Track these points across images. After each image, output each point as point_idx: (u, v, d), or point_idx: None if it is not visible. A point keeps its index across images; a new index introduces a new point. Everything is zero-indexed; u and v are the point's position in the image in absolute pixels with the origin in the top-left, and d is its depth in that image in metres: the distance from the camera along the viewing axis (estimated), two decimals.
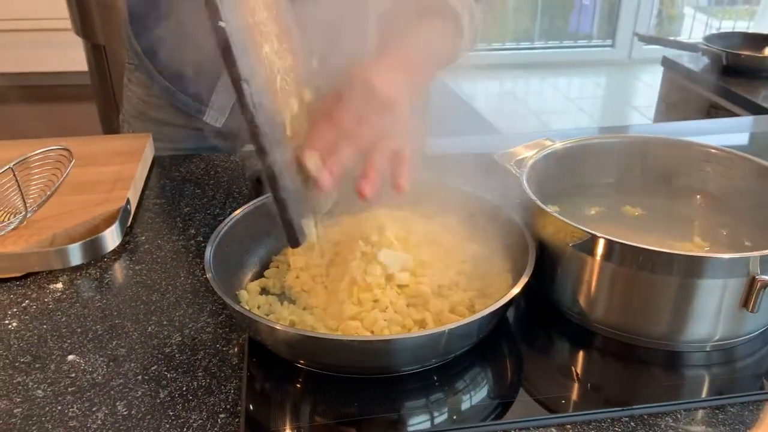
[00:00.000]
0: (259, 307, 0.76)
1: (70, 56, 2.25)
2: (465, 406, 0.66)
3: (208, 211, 1.07)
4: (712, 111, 2.07)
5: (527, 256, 0.73)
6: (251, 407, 0.65)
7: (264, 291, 0.80)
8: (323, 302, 0.74)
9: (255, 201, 0.89)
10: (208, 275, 0.75)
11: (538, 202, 0.75)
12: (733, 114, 1.96)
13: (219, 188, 1.14)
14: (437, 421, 0.64)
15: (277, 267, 0.83)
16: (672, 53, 2.36)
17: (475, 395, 0.68)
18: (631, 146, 0.89)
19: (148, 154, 1.21)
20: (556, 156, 0.87)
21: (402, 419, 0.63)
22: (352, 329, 0.69)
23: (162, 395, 0.71)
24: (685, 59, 2.34)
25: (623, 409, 0.67)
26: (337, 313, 0.72)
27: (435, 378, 0.68)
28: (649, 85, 4.41)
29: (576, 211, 0.83)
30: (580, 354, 0.75)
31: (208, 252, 0.79)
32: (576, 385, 0.69)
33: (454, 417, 0.64)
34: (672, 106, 2.24)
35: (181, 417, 0.69)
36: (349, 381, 0.67)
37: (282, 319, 0.72)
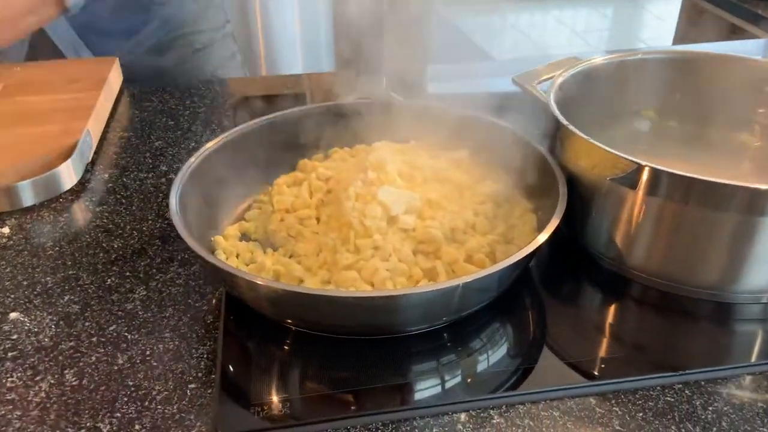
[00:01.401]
0: (238, 256, 0.67)
1: None
2: (481, 368, 0.58)
3: (183, 145, 0.93)
4: (735, 38, 1.91)
5: (556, 194, 0.63)
6: (228, 375, 0.57)
7: (245, 236, 0.70)
8: (313, 250, 0.65)
9: (234, 130, 0.77)
10: (174, 218, 0.62)
11: (570, 126, 0.65)
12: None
13: (196, 119, 1.00)
14: (449, 386, 0.56)
15: (260, 208, 0.72)
16: None
17: (493, 356, 0.59)
18: (677, 64, 0.76)
19: (114, 81, 1.06)
20: (588, 75, 0.74)
21: (408, 386, 0.56)
22: (348, 281, 0.60)
23: (120, 361, 0.60)
24: None
25: (672, 375, 0.58)
26: (330, 262, 0.62)
27: (446, 337, 0.60)
28: (658, 17, 4.19)
29: (612, 140, 0.70)
30: (615, 306, 0.67)
31: (175, 190, 0.66)
32: (612, 344, 0.61)
33: (469, 381, 0.56)
34: (691, 33, 2.07)
35: (143, 388, 0.57)
36: (346, 343, 0.58)
37: (265, 270, 0.63)
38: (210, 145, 0.70)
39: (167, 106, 1.05)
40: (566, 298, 0.67)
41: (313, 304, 0.55)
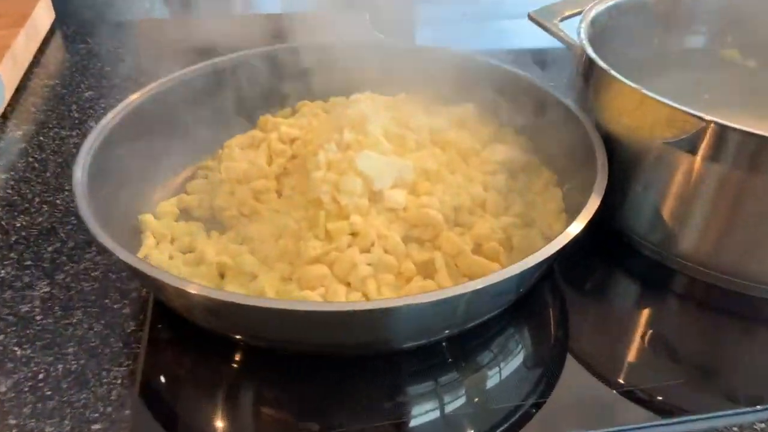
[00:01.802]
0: (173, 241, 0.54)
1: None
2: (491, 385, 0.47)
3: (119, 96, 0.75)
4: None
5: (589, 161, 0.51)
6: (150, 406, 0.44)
7: (185, 214, 0.57)
8: (271, 234, 0.51)
9: (172, 77, 0.61)
10: (75, 190, 0.46)
11: (612, 72, 0.52)
12: None
13: (141, 64, 0.82)
14: (450, 414, 0.45)
15: (206, 178, 0.59)
16: None
17: (506, 369, 0.48)
18: None
19: (41, 19, 0.88)
20: (629, 7, 0.56)
21: (396, 412, 0.44)
22: (315, 280, 0.47)
23: (3, 389, 0.44)
24: None
25: (755, 410, 0.45)
26: (293, 252, 0.49)
27: (446, 352, 0.49)
28: None
29: (661, 91, 0.54)
30: (657, 306, 0.55)
31: (84, 155, 0.49)
32: (658, 362, 0.49)
33: (476, 400, 0.45)
34: None
35: (27, 430, 0.41)
36: (316, 362, 0.47)
37: (205, 261, 0.50)
38: (135, 97, 0.56)
39: (105, 49, 0.87)
40: (596, 294, 0.56)
41: (264, 318, 0.39)
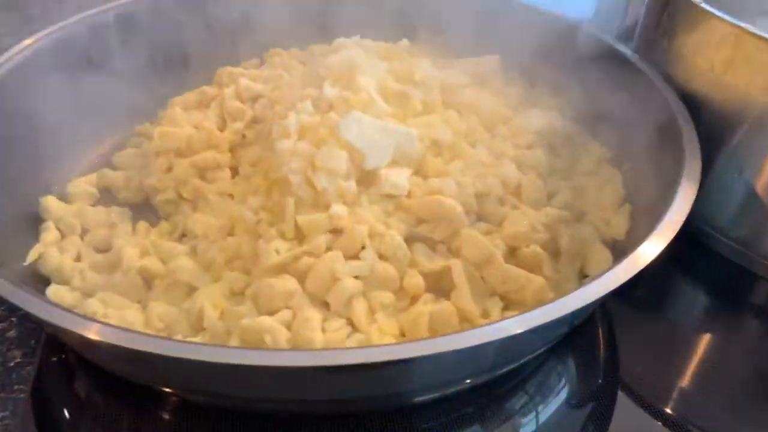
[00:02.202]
0: (85, 234, 0.42)
1: None
2: None
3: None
4: None
5: (665, 133, 0.40)
6: None
7: (106, 196, 0.46)
8: (221, 227, 0.40)
9: (101, 8, 0.49)
10: None
11: (705, 5, 0.41)
12: None
13: None
14: None
15: (138, 147, 0.48)
16: None
17: (545, 413, 0.39)
18: None
19: None
20: None
21: None
22: (279, 298, 0.35)
23: None
24: None
25: None
26: (249, 254, 0.39)
27: (467, 402, 0.38)
28: None
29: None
30: (738, 325, 0.46)
31: None
32: (739, 398, 0.41)
33: None
34: None
35: None
36: (284, 419, 0.35)
37: (123, 264, 0.38)
38: (30, 42, 0.44)
39: None
40: (655, 310, 0.46)
41: (192, 371, 0.26)
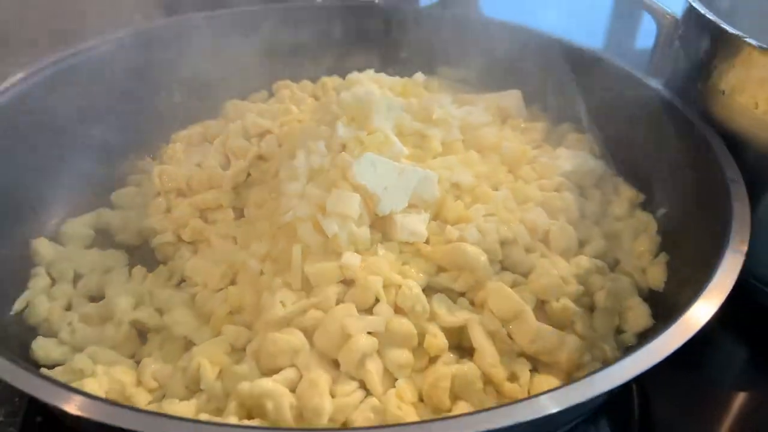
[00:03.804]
0: (77, 281, 0.38)
1: None
2: None
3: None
4: None
5: (701, 173, 0.37)
6: None
7: (102, 237, 0.41)
8: (222, 274, 0.37)
9: (106, 38, 0.46)
10: None
11: (750, 40, 0.37)
12: None
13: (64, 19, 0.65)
14: None
15: (138, 185, 0.44)
16: None
17: None
18: None
19: None
20: None
21: None
22: (283, 354, 0.32)
23: None
24: None
25: None
26: (252, 307, 0.35)
27: None
28: None
29: None
30: None
31: None
32: None
33: None
34: None
35: None
36: None
37: (116, 316, 0.34)
38: (21, 75, 0.41)
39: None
40: (692, 364, 0.40)
41: None
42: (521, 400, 0.23)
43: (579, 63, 0.46)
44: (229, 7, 0.52)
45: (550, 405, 0.24)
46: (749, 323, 0.43)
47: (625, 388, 0.37)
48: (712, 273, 0.30)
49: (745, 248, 0.33)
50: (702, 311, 0.28)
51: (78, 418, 0.24)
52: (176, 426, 0.22)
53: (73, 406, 0.23)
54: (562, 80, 0.47)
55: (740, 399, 0.40)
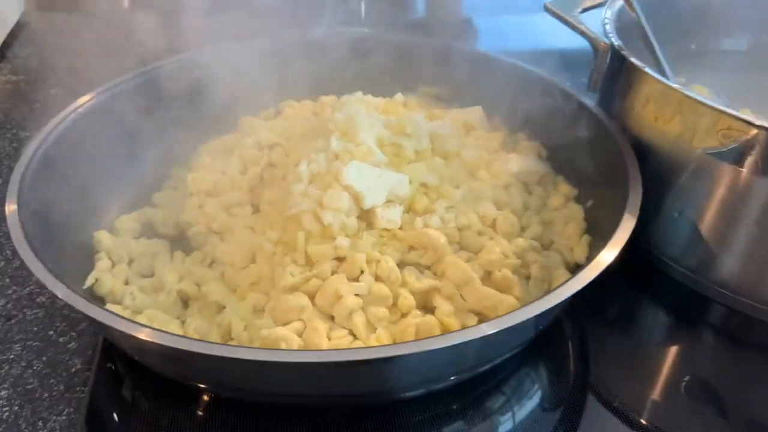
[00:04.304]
0: (131, 262, 0.48)
1: None
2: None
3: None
4: None
5: (618, 175, 0.46)
6: None
7: (148, 230, 0.51)
8: (243, 256, 0.46)
9: (143, 70, 0.56)
10: (8, 208, 0.39)
11: (648, 69, 0.47)
12: None
13: (118, 54, 0.74)
14: None
15: (174, 188, 0.54)
16: None
17: (520, 413, 0.43)
18: None
19: (10, 12, 0.84)
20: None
21: None
22: (293, 312, 0.41)
23: None
24: None
25: None
26: (267, 278, 0.44)
27: (450, 399, 0.43)
28: None
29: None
30: (691, 340, 0.50)
31: (22, 167, 0.43)
32: (685, 397, 0.45)
33: None
34: None
35: None
36: (296, 413, 0.41)
37: (165, 289, 0.44)
38: (86, 99, 0.51)
39: (75, 43, 0.79)
40: (620, 326, 0.51)
41: (226, 367, 0.32)
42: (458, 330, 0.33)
43: (530, 83, 0.56)
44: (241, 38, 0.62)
45: (482, 329, 0.34)
46: (667, 294, 0.52)
47: (562, 342, 0.48)
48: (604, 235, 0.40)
49: (632, 225, 0.41)
50: (595, 268, 0.38)
51: (151, 345, 0.33)
52: (219, 348, 0.32)
53: (145, 333, 0.33)
54: (516, 97, 0.56)
55: (662, 353, 0.49)
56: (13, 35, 0.83)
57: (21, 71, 0.76)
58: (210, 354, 0.32)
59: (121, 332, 0.34)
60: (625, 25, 0.55)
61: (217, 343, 0.35)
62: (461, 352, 0.35)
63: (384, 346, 0.36)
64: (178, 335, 0.34)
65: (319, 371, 0.33)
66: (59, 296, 0.34)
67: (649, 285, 0.53)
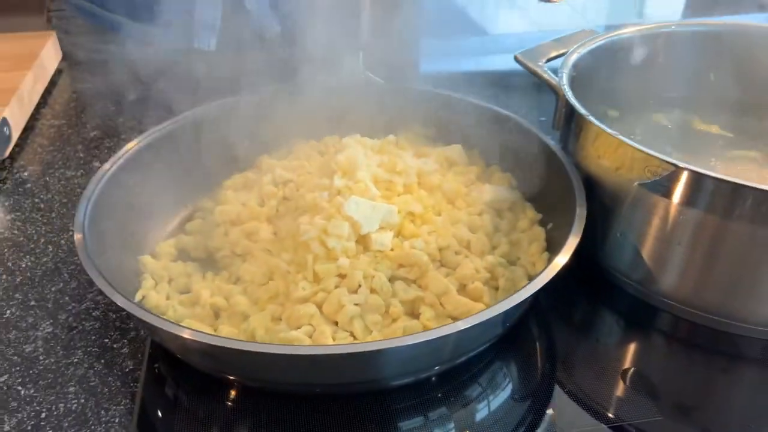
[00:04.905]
0: (171, 281, 0.56)
1: None
2: (480, 417, 0.48)
3: (124, 136, 0.79)
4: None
5: (571, 201, 0.53)
6: None
7: (182, 254, 0.59)
8: (263, 274, 0.53)
9: (171, 121, 0.64)
10: (76, 236, 0.48)
11: (590, 117, 0.55)
12: None
13: (143, 105, 0.83)
14: None
15: (204, 219, 0.61)
16: None
17: (495, 402, 0.50)
18: (715, 37, 0.61)
19: (49, 59, 0.91)
20: (612, 51, 0.59)
21: None
22: (304, 318, 0.49)
23: (6, 427, 0.46)
24: None
25: None
26: (283, 291, 0.51)
27: (435, 387, 0.50)
28: None
29: (639, 133, 0.56)
30: (640, 342, 0.56)
31: (85, 201, 0.52)
32: (634, 390, 0.51)
33: None
34: (705, 7, 1.91)
35: None
36: (307, 400, 0.48)
37: (200, 303, 0.52)
38: (132, 145, 0.59)
39: (111, 89, 0.89)
40: (581, 329, 0.57)
41: (252, 361, 0.41)
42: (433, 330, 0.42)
43: (504, 124, 0.62)
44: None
45: (456, 325, 0.41)
46: (621, 303, 0.58)
47: (531, 341, 0.54)
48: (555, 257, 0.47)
49: (575, 243, 0.48)
50: (550, 271, 0.45)
51: (192, 342, 0.41)
52: (247, 344, 0.41)
53: (187, 332, 0.41)
54: (492, 136, 0.63)
55: (618, 353, 0.54)
56: (52, 82, 0.93)
57: (62, 116, 0.85)
58: (240, 349, 0.41)
59: (171, 334, 0.42)
60: (583, 70, 0.63)
61: (246, 341, 0.45)
62: (439, 346, 0.43)
63: (377, 341, 0.45)
64: (215, 335, 0.44)
65: (325, 362, 0.41)
66: (126, 309, 0.43)
67: (604, 295, 0.58)
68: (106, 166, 0.56)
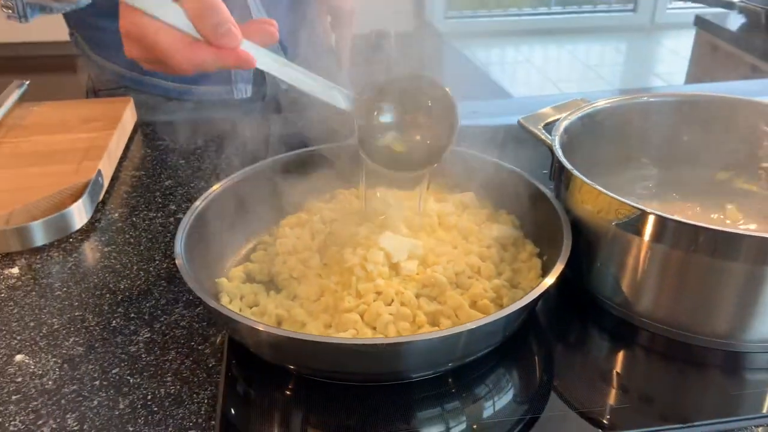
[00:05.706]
0: (242, 298, 0.66)
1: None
2: (487, 415, 0.57)
3: (193, 184, 0.94)
4: (751, 75, 1.90)
5: (561, 238, 0.62)
6: (228, 421, 0.56)
7: (249, 277, 0.70)
8: (315, 293, 0.64)
9: (241, 172, 0.78)
10: (178, 261, 0.62)
11: (575, 171, 0.65)
12: None
13: (206, 158, 1.00)
14: None
15: (265, 250, 0.72)
16: (704, 12, 2.17)
17: (499, 402, 0.59)
18: (684, 107, 0.75)
19: (128, 120, 1.07)
20: (595, 118, 0.73)
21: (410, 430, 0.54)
22: (350, 324, 0.59)
23: (122, 405, 0.59)
24: (719, 19, 2.15)
25: (682, 427, 0.56)
26: (332, 306, 0.62)
27: (450, 384, 0.59)
28: (673, 51, 4.18)
29: (618, 184, 0.69)
30: (623, 354, 0.65)
31: (181, 233, 0.66)
32: (619, 394, 0.60)
33: (474, 427, 0.56)
34: (705, 70, 2.06)
35: None
36: (349, 388, 0.58)
37: (267, 313, 0.62)
38: (216, 188, 0.70)
39: (179, 145, 1.06)
40: (573, 344, 0.66)
41: (313, 350, 0.54)
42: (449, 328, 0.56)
43: (509, 176, 0.74)
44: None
45: (465, 326, 0.52)
46: (607, 323, 0.66)
47: (530, 353, 0.63)
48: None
49: (560, 269, 0.58)
50: (541, 288, 0.56)
51: (265, 334, 0.52)
52: (308, 336, 0.55)
53: (261, 325, 0.52)
54: (499, 186, 0.75)
55: (608, 364, 0.63)
56: (130, 139, 1.11)
57: (140, 168, 1.00)
58: (304, 339, 0.53)
59: (249, 327, 0.54)
60: (573, 135, 0.75)
61: (308, 334, 0.59)
62: (452, 341, 0.53)
63: (403, 336, 0.58)
64: (284, 329, 0.58)
65: (366, 351, 0.53)
66: (219, 310, 0.56)
67: (593, 316, 0.66)
68: (196, 204, 0.71)
